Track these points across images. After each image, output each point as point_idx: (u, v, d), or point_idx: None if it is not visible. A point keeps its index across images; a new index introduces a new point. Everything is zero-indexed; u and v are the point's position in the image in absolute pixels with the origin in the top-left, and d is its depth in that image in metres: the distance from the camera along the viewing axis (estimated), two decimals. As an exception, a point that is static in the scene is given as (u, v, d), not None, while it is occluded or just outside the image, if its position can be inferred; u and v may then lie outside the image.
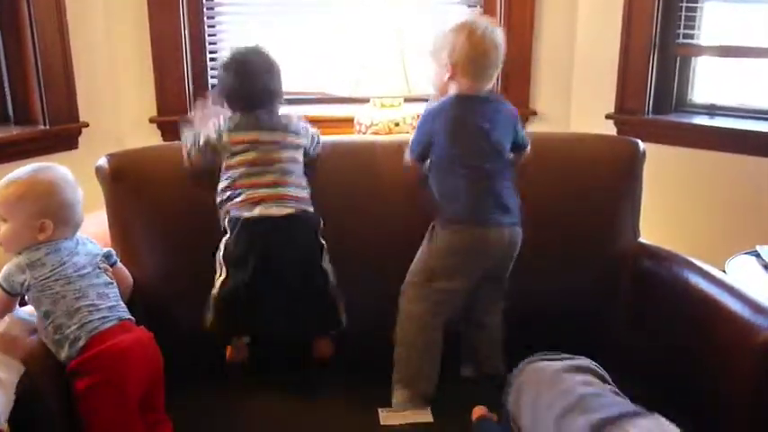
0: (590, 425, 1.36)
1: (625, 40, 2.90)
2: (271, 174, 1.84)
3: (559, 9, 3.03)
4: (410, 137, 1.94)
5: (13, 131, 2.74)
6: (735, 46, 2.85)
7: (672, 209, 2.80)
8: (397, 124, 2.74)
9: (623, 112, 2.96)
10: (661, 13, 2.86)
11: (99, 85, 2.91)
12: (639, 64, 2.89)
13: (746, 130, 2.76)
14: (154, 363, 1.66)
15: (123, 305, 1.69)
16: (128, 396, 1.56)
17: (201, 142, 1.88)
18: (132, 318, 1.68)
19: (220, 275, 1.81)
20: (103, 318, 1.60)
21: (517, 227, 1.85)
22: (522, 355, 1.77)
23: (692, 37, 2.90)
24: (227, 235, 1.81)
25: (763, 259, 2.26)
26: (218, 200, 1.86)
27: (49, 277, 1.60)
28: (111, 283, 1.70)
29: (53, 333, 1.58)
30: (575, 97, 3.10)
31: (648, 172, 2.08)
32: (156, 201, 1.94)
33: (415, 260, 1.88)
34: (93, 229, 1.84)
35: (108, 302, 1.64)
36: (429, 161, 1.89)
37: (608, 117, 2.98)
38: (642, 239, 2.09)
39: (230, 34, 3.10)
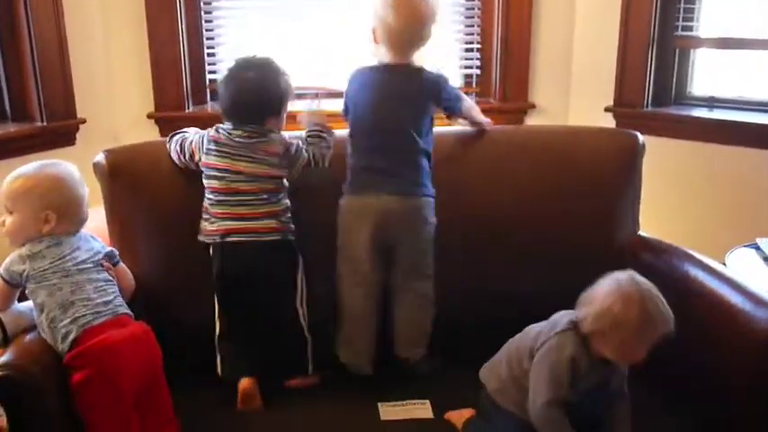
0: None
1: (624, 33, 2.89)
2: (241, 206, 1.82)
3: (558, 1, 3.03)
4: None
5: (10, 128, 2.73)
6: (734, 38, 2.84)
7: (671, 202, 2.79)
8: (395, 118, 2.72)
9: (622, 105, 2.96)
10: (660, 6, 2.85)
11: (96, 81, 2.91)
12: (638, 56, 2.89)
13: (746, 122, 2.76)
14: (149, 358, 1.65)
15: (122, 300, 1.69)
16: (121, 390, 1.56)
17: (187, 156, 1.87)
18: (130, 312, 1.68)
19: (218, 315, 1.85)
20: (97, 312, 1.60)
21: (408, 197, 1.84)
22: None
23: (690, 29, 2.89)
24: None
25: (763, 252, 2.26)
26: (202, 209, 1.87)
27: (47, 269, 1.62)
28: (111, 281, 1.70)
29: (47, 326, 1.59)
30: (573, 90, 3.09)
31: (648, 165, 2.07)
32: (154, 196, 1.94)
33: None
34: (92, 225, 1.84)
35: (104, 297, 1.64)
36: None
37: (607, 110, 2.97)
38: (642, 232, 2.09)
39: (228, 29, 3.09)
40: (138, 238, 1.95)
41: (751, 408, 1.63)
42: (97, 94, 2.91)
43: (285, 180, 1.88)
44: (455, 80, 3.24)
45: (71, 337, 1.56)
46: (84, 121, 2.85)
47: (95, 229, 1.84)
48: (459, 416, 1.74)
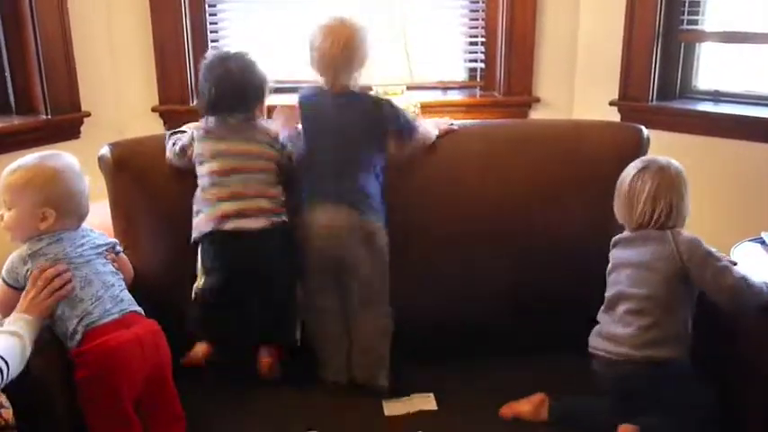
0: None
1: (628, 27, 2.89)
2: (236, 185, 1.83)
3: (563, -5, 3.02)
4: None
5: (15, 121, 2.73)
6: (739, 32, 2.83)
7: (676, 196, 2.78)
8: (399, 112, 2.72)
9: (627, 99, 2.95)
10: (665, 0, 2.84)
11: (100, 74, 2.90)
12: (643, 50, 2.88)
13: (751, 117, 2.75)
14: (155, 359, 1.63)
15: (130, 296, 1.68)
16: (119, 393, 1.55)
17: (178, 149, 1.88)
18: (139, 310, 1.67)
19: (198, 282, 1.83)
20: (105, 311, 1.60)
21: (356, 215, 1.82)
22: (527, 345, 1.77)
23: (695, 23, 2.88)
24: (200, 247, 1.83)
25: (768, 246, 2.25)
26: (194, 209, 1.87)
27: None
28: (117, 273, 1.70)
29: (56, 322, 1.58)
30: (578, 84, 3.09)
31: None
32: (158, 190, 1.94)
33: None
34: (98, 221, 1.84)
35: (113, 291, 1.64)
36: None
37: (611, 104, 2.97)
38: (647, 227, 2.08)
39: (232, 23, 3.09)
40: (142, 232, 1.95)
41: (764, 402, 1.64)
42: (101, 88, 2.91)
43: (277, 166, 1.90)
44: (459, 74, 3.24)
45: (78, 336, 1.56)
46: (88, 115, 2.85)
47: (100, 224, 1.84)
48: (528, 404, 1.75)
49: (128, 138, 2.09)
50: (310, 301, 1.88)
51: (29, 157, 1.67)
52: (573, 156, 2.04)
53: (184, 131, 1.92)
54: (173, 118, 2.91)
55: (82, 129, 2.86)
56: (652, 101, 2.92)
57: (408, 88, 2.85)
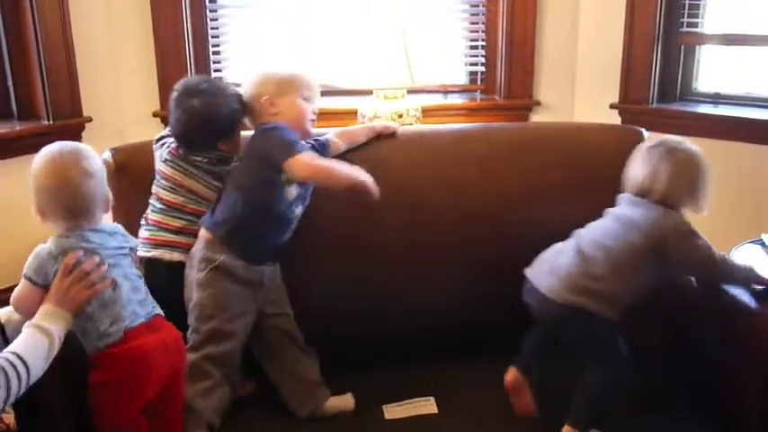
0: None
1: (629, 30, 2.89)
2: (181, 221, 1.82)
3: (563, -1, 3.03)
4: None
5: (17, 126, 2.74)
6: (739, 34, 2.83)
7: (677, 198, 2.78)
8: (400, 116, 2.73)
9: (627, 102, 2.96)
10: (664, 2, 2.85)
11: (102, 79, 2.91)
12: (643, 53, 2.88)
13: (751, 119, 2.75)
14: (174, 365, 1.61)
15: (152, 299, 1.63)
16: (142, 398, 1.54)
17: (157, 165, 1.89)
18: (162, 312, 1.63)
19: None
20: (134, 314, 1.56)
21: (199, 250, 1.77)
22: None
23: (695, 26, 2.89)
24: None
25: (768, 248, 2.25)
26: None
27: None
28: (141, 276, 1.65)
29: (84, 321, 1.53)
30: (578, 87, 3.09)
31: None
32: (159, 194, 1.94)
33: None
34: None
35: (139, 295, 1.59)
36: None
37: (612, 107, 2.97)
38: (647, 229, 2.08)
39: (233, 27, 3.10)
40: (144, 236, 1.95)
41: (763, 404, 1.63)
42: (103, 93, 2.91)
43: None
44: (460, 77, 3.25)
45: (108, 340, 1.52)
46: (90, 120, 2.85)
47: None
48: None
49: (129, 143, 2.10)
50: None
51: (47, 155, 1.57)
52: (574, 159, 2.05)
53: (168, 136, 1.91)
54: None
55: (83, 134, 2.86)
56: (652, 103, 2.93)
57: (409, 92, 2.85)
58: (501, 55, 3.10)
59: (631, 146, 2.05)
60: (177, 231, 1.82)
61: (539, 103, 3.12)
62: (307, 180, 1.78)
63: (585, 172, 2.03)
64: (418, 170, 2.00)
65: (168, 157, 1.86)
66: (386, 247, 1.96)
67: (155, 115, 3.01)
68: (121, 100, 2.98)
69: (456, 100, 3.19)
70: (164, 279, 1.75)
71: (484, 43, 3.16)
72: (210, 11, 3.05)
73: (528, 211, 1.99)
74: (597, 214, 1.93)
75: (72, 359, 1.52)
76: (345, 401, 1.81)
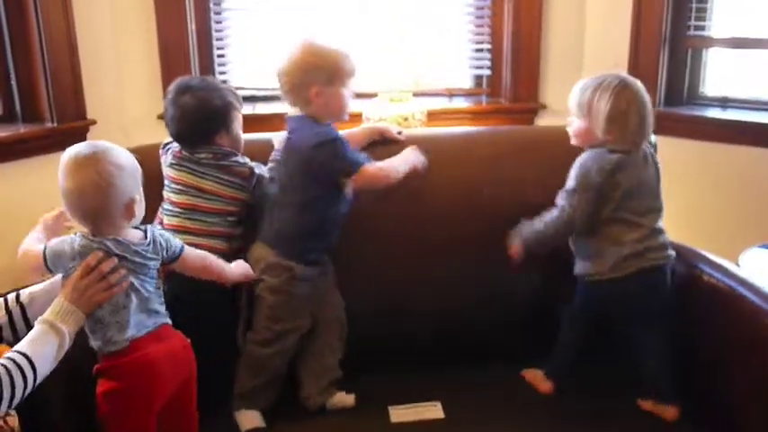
0: None
1: (635, 32, 2.88)
2: (193, 221, 1.83)
3: (569, 1, 3.01)
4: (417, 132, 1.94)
5: (21, 129, 2.73)
6: (747, 38, 2.82)
7: (684, 202, 2.76)
8: (405, 119, 2.72)
9: (634, 105, 2.94)
10: (672, 5, 2.84)
11: (106, 82, 2.91)
12: (650, 56, 2.87)
13: (759, 123, 2.74)
14: (184, 374, 1.60)
15: (163, 307, 1.60)
16: (151, 408, 1.52)
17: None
18: (169, 321, 1.60)
19: None
20: (140, 323, 1.53)
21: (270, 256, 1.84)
22: (536, 352, 1.76)
23: (703, 29, 2.88)
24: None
25: (776, 252, 2.24)
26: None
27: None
28: (159, 286, 1.60)
29: (93, 323, 1.51)
30: (585, 91, 3.07)
31: (660, 165, 2.05)
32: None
33: None
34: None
35: (150, 303, 1.56)
36: None
37: (619, 110, 2.95)
38: (654, 233, 2.07)
39: (237, 29, 3.09)
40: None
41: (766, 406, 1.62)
42: (107, 95, 2.91)
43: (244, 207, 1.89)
44: (465, 81, 3.24)
45: (112, 348, 1.50)
46: (94, 122, 2.85)
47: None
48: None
49: (133, 145, 2.09)
50: None
51: (74, 160, 1.51)
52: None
53: (173, 142, 1.92)
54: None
55: (88, 136, 2.86)
56: (659, 107, 2.91)
57: (414, 95, 2.84)
58: (506, 58, 3.09)
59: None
60: (197, 233, 1.81)
61: (544, 107, 3.11)
62: (373, 188, 1.85)
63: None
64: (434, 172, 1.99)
65: (173, 161, 1.87)
66: (397, 249, 1.97)
67: (159, 118, 3.00)
68: (126, 102, 2.98)
69: (461, 103, 3.18)
70: (190, 283, 1.71)
71: (489, 46, 3.15)
72: (215, 13, 3.05)
73: (534, 213, 1.97)
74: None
75: (76, 358, 1.51)
76: (348, 398, 1.84)
